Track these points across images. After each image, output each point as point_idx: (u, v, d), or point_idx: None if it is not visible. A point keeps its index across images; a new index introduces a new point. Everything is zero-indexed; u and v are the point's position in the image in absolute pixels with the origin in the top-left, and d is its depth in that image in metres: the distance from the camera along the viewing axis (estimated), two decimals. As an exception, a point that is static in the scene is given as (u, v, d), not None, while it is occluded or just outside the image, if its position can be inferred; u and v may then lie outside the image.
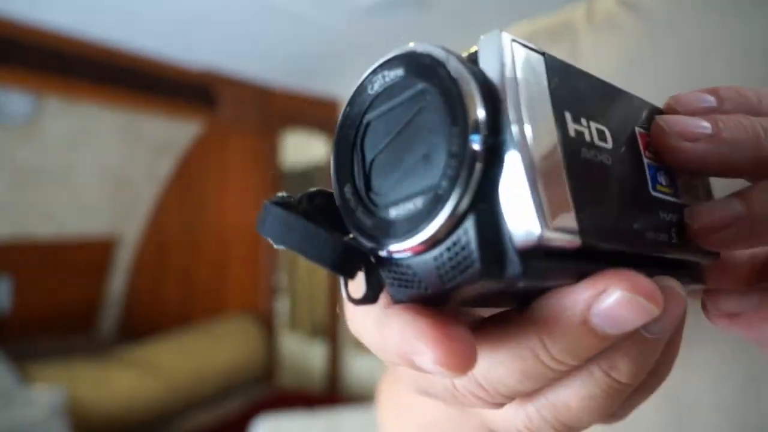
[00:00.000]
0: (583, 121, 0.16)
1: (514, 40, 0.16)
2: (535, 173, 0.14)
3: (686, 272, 0.19)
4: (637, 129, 0.19)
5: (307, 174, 2.85)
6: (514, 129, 0.14)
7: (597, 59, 0.36)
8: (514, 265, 0.14)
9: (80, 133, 2.41)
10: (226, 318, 2.76)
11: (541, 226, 0.14)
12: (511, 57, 0.15)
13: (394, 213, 0.16)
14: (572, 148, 0.16)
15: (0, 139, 2.18)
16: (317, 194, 0.18)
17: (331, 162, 0.18)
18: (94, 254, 2.79)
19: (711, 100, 0.19)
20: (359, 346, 2.93)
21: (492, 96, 0.15)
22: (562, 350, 0.15)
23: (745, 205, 0.17)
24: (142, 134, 2.62)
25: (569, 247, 0.15)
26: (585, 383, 0.16)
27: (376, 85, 0.17)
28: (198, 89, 2.45)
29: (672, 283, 0.16)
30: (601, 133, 0.17)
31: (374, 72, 0.17)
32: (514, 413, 0.18)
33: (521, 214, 0.14)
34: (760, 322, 0.18)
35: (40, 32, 1.93)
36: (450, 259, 0.15)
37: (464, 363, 0.14)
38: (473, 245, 0.14)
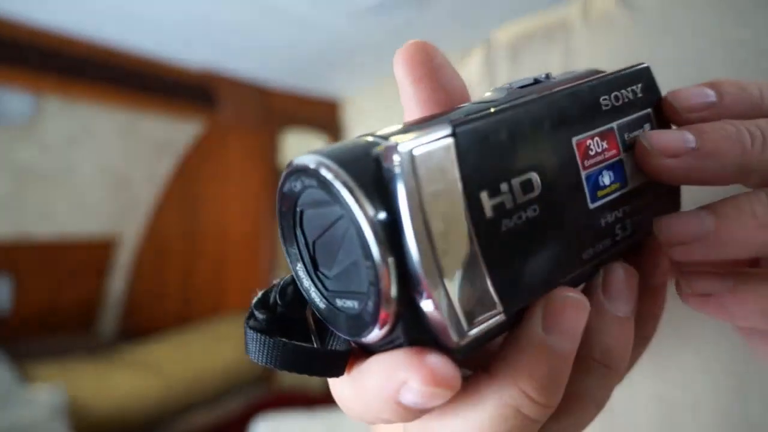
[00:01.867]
0: (504, 186, 0.16)
1: (414, 149, 0.15)
2: (447, 296, 0.15)
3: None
4: (573, 140, 0.18)
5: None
6: (417, 264, 0.15)
7: (591, 58, 0.36)
8: (452, 354, 0.16)
9: (80, 133, 2.41)
10: (226, 318, 2.76)
11: (462, 334, 0.15)
12: (412, 177, 0.15)
13: (339, 303, 0.17)
14: (490, 231, 0.16)
15: (0, 139, 2.18)
16: (288, 285, 0.19)
17: (280, 237, 0.18)
18: (94, 254, 2.79)
19: (711, 95, 0.19)
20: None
21: (392, 230, 0.15)
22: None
23: (715, 220, 0.17)
24: (142, 134, 2.62)
25: (495, 324, 0.16)
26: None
27: (298, 184, 0.17)
28: (198, 89, 2.45)
29: (571, 293, 0.17)
30: (526, 184, 0.17)
31: (289, 174, 0.17)
32: None
33: (442, 329, 0.15)
34: (733, 305, 0.18)
35: (40, 32, 1.93)
36: (391, 349, 0.16)
37: (452, 380, 0.15)
38: (407, 346, 0.16)
